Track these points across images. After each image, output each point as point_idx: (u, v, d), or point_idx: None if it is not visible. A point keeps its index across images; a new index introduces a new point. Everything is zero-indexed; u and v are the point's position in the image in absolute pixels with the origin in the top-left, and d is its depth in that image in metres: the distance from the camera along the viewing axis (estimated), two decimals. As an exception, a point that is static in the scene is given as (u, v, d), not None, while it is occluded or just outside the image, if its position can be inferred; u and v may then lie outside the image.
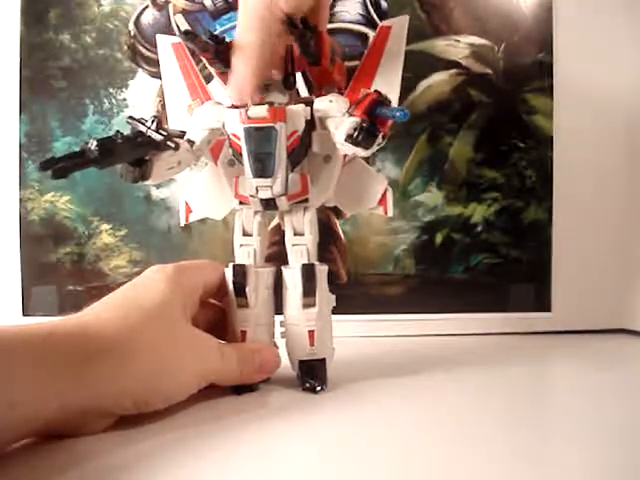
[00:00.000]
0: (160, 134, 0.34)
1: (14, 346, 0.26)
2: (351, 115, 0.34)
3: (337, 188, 0.40)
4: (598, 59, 0.58)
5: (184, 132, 0.37)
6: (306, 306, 0.37)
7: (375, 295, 0.57)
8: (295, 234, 0.38)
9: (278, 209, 0.38)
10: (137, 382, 0.30)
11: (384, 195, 0.40)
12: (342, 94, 0.39)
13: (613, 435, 0.31)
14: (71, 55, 0.57)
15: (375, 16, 0.57)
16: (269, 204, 0.37)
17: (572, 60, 0.57)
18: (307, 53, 0.37)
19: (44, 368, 0.27)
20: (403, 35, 0.41)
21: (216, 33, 0.38)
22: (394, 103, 0.38)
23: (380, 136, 0.33)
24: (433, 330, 0.56)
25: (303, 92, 0.42)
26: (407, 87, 0.55)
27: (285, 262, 0.38)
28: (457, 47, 0.57)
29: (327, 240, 0.56)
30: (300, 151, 0.37)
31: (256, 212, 0.38)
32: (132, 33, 0.57)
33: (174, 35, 0.45)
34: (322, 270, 0.37)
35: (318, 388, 0.37)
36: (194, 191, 0.42)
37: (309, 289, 0.37)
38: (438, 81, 0.57)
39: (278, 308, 0.38)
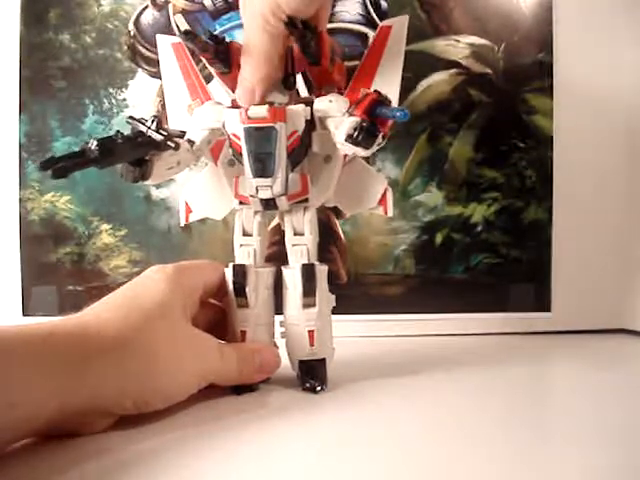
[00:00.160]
0: (160, 134, 0.34)
1: (14, 346, 0.26)
2: (351, 115, 0.34)
3: (337, 188, 0.40)
4: (598, 59, 0.58)
5: (184, 132, 0.37)
6: (306, 306, 0.37)
7: (375, 295, 0.57)
8: (295, 234, 0.38)
9: (278, 209, 0.38)
10: (137, 382, 0.30)
11: (384, 195, 0.40)
12: (342, 94, 0.39)
13: (613, 435, 0.31)
14: (71, 55, 0.57)
15: (375, 16, 0.57)
16: (269, 204, 0.37)
17: (572, 60, 0.57)
18: (307, 53, 0.37)
19: (44, 368, 0.27)
20: (403, 35, 0.41)
21: (216, 33, 0.38)
22: (394, 103, 0.38)
23: (380, 136, 0.33)
24: (433, 330, 0.56)
25: (303, 92, 0.42)
26: (407, 87, 0.55)
27: (285, 262, 0.38)
28: (457, 47, 0.57)
29: (327, 240, 0.56)
30: (300, 151, 0.37)
31: (256, 212, 0.38)
32: (132, 33, 0.57)
33: (174, 35, 0.44)
34: (322, 270, 0.37)
35: (318, 388, 0.37)
36: (194, 191, 0.42)
37: (309, 289, 0.37)
38: (438, 81, 0.57)
39: (278, 308, 0.38)
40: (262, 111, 0.35)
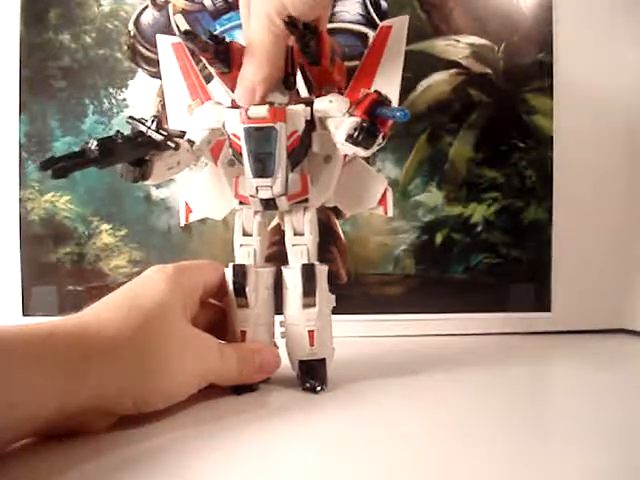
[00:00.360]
0: (160, 134, 0.34)
1: (14, 346, 0.26)
2: (351, 115, 0.34)
3: (337, 188, 0.40)
4: (598, 59, 0.58)
5: (184, 132, 0.37)
6: (306, 306, 0.37)
7: (375, 295, 0.57)
8: (295, 234, 0.38)
9: (278, 209, 0.38)
10: (137, 382, 0.30)
11: (384, 195, 0.40)
12: (342, 94, 0.39)
13: (613, 435, 0.31)
14: (71, 55, 0.57)
15: (375, 16, 0.57)
16: (269, 204, 0.37)
17: (572, 60, 0.57)
18: (307, 53, 0.37)
19: (44, 368, 0.27)
20: (403, 35, 0.41)
21: (216, 33, 0.38)
22: (394, 103, 0.38)
23: (380, 136, 0.33)
24: (433, 330, 0.56)
25: (303, 92, 0.42)
26: (407, 87, 0.55)
27: (285, 262, 0.38)
28: (457, 47, 0.57)
29: (327, 240, 0.56)
30: (300, 151, 0.37)
31: (256, 212, 0.38)
32: (132, 33, 0.57)
33: (174, 35, 0.44)
34: (322, 270, 0.37)
35: (318, 388, 0.37)
36: (194, 191, 0.42)
37: (309, 289, 0.37)
38: (438, 81, 0.57)
39: (278, 308, 0.38)
40: (262, 111, 0.35)
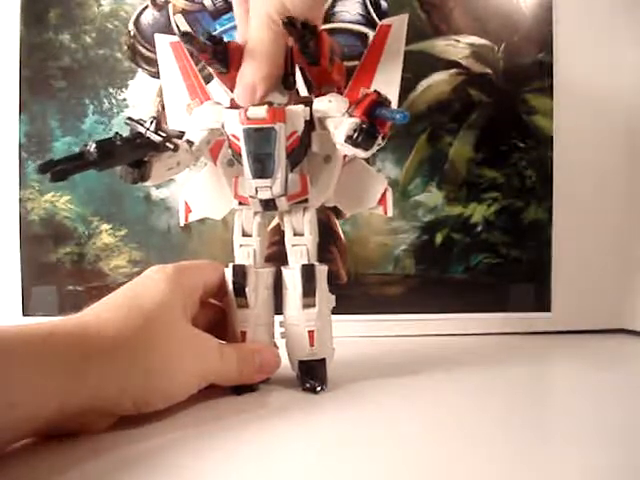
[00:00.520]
0: (159, 135, 0.34)
1: (14, 346, 0.26)
2: (351, 116, 0.34)
3: (337, 188, 0.40)
4: (598, 59, 0.58)
5: (183, 132, 0.37)
6: (306, 306, 0.37)
7: (375, 295, 0.57)
8: (295, 234, 0.38)
9: (278, 209, 0.38)
10: (137, 382, 0.30)
11: (384, 195, 0.40)
12: (341, 94, 0.39)
13: (613, 435, 0.31)
14: (71, 55, 0.57)
15: (375, 16, 0.57)
16: (269, 205, 0.37)
17: (572, 60, 0.57)
18: (306, 53, 0.37)
19: (44, 368, 0.27)
20: (403, 34, 0.41)
21: (215, 33, 0.38)
22: (394, 103, 0.38)
23: (380, 137, 0.33)
24: (433, 330, 0.56)
25: (303, 92, 0.42)
26: (407, 87, 0.55)
27: (285, 262, 0.38)
28: (457, 47, 0.57)
29: (327, 240, 0.56)
30: (300, 151, 0.37)
31: (256, 213, 0.38)
32: (132, 33, 0.57)
33: (174, 35, 0.44)
34: (322, 270, 0.37)
35: (318, 388, 0.37)
36: (193, 191, 0.42)
37: (309, 289, 0.37)
38: (438, 81, 0.57)
39: (278, 308, 0.38)
40: (261, 112, 0.35)
